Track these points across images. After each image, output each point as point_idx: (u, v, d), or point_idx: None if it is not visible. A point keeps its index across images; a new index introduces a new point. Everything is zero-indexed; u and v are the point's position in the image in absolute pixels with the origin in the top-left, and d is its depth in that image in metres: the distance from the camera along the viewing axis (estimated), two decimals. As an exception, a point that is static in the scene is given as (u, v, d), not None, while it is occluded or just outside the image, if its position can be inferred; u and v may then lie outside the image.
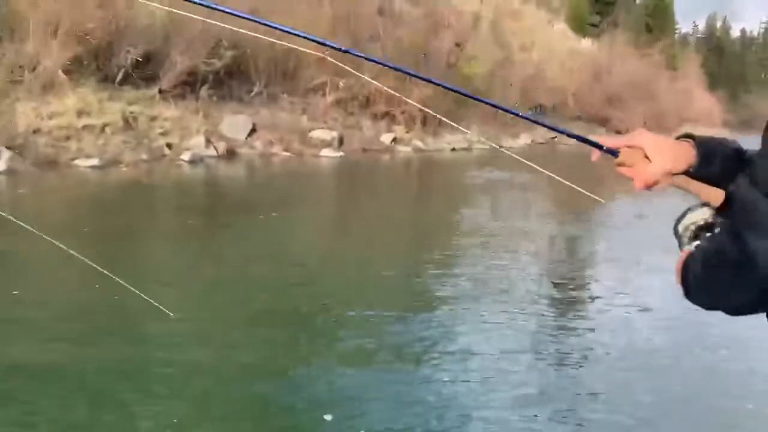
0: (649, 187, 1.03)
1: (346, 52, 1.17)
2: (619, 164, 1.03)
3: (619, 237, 8.42)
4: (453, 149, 20.63)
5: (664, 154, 1.01)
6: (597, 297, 5.51)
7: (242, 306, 4.78)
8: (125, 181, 11.25)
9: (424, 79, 1.25)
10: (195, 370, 3.56)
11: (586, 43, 41.70)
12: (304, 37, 1.11)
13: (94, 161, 11.51)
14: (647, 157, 1.01)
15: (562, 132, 1.20)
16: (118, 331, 4.16)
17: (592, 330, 4.56)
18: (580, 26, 44.55)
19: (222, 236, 7.79)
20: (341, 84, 18.57)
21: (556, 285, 5.84)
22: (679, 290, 0.95)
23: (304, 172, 14.36)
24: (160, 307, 2.96)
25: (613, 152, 1.02)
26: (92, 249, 6.16)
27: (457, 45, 22.79)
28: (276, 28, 1.15)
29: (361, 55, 1.16)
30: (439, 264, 6.42)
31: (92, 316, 4.37)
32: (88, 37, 13.36)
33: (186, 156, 13.20)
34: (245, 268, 5.87)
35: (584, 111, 31.57)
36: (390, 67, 1.18)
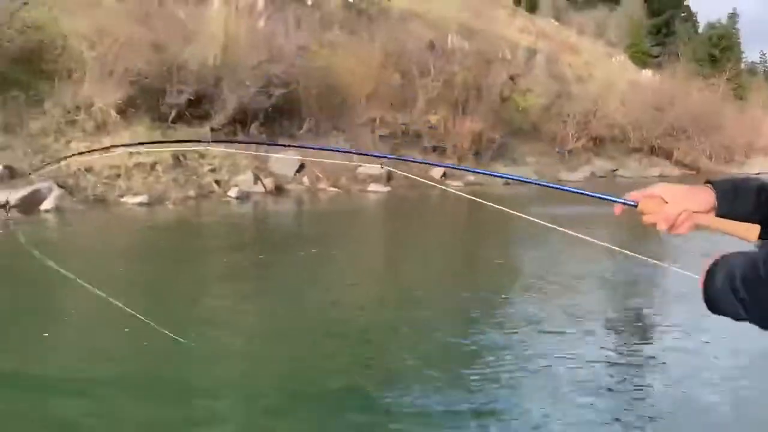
0: (671, 225, 1.09)
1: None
2: (642, 213, 1.12)
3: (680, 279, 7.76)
4: (506, 183, 20.06)
5: (679, 195, 1.10)
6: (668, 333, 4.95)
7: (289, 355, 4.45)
8: (172, 218, 11.26)
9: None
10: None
11: (647, 74, 40.53)
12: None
13: (142, 198, 11.58)
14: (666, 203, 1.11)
15: (579, 192, 1.39)
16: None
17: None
18: (640, 58, 43.46)
19: (268, 274, 7.63)
20: (390, 119, 18.43)
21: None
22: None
23: (352, 208, 14.14)
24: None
25: (633, 204, 1.13)
26: (134, 289, 6.04)
27: (511, 78, 22.38)
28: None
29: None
30: (489, 309, 6.02)
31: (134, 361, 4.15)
32: (142, 77, 13.64)
33: (233, 192, 13.17)
34: (292, 310, 5.71)
35: (645, 143, 30.41)
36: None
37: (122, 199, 11.53)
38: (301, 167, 15.65)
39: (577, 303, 6.51)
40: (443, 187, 16.26)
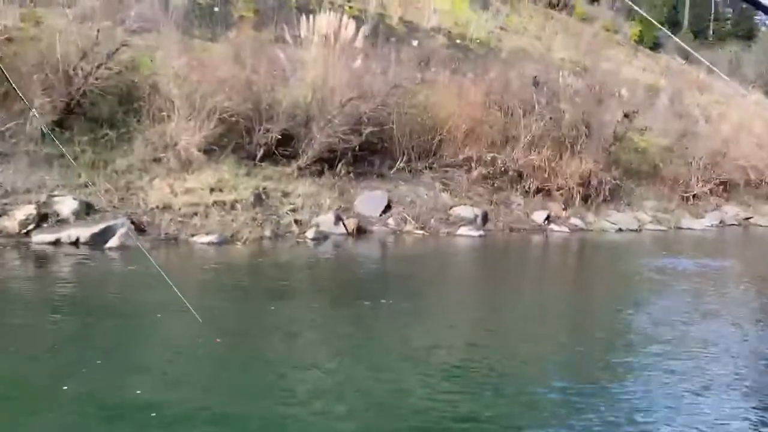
0: None
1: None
2: None
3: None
4: (619, 229, 17.91)
5: None
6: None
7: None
8: (238, 257, 10.53)
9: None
10: None
11: (787, 112, 36.23)
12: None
13: (212, 237, 10.97)
14: None
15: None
16: None
17: None
18: (780, 96, 39.12)
19: (337, 325, 6.62)
20: (489, 158, 17.03)
21: None
22: None
23: (440, 252, 12.85)
24: None
25: None
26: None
27: (626, 116, 20.27)
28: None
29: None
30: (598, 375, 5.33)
31: None
32: (230, 116, 13.28)
33: (310, 233, 12.32)
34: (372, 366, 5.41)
35: (786, 187, 26.66)
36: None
37: (192, 238, 10.98)
38: (388, 207, 14.60)
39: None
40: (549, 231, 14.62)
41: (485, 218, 15.88)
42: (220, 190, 12.53)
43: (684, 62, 43.78)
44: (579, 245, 15.66)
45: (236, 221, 11.95)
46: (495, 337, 7.13)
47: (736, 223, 22.42)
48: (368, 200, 14.46)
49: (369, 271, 10.33)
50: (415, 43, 22.84)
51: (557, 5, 37.44)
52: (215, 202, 12.17)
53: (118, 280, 8.64)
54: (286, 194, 13.36)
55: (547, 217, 17.01)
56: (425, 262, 11.74)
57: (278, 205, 13.01)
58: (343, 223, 13.21)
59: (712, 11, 58.74)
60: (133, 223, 10.73)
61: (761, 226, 22.65)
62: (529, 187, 17.63)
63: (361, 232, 13.46)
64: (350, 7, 23.23)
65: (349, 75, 15.23)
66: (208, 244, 10.83)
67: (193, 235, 11.07)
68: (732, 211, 23.30)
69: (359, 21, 23.08)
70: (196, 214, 11.67)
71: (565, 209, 17.67)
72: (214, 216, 11.84)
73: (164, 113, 12.73)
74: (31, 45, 12.09)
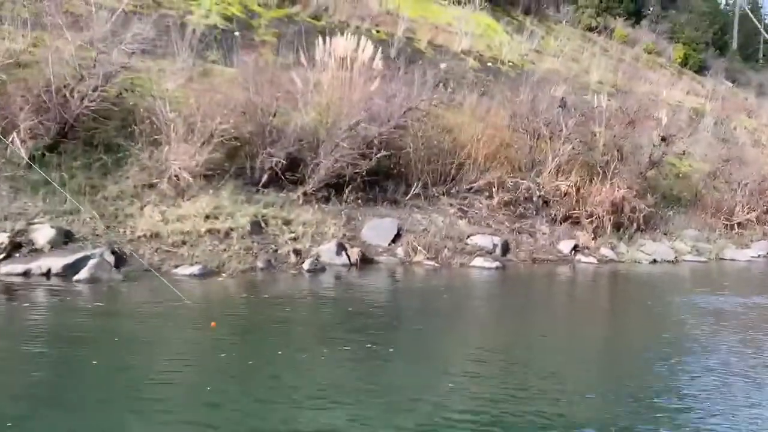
0: None
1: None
2: None
3: None
4: (654, 261, 16.16)
5: None
6: None
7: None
8: (213, 292, 9.46)
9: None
10: None
11: (843, 136, 33.49)
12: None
13: (195, 269, 9.96)
14: None
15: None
16: None
17: None
18: (837, 118, 36.31)
19: (286, 370, 5.42)
20: (512, 184, 15.64)
21: None
22: None
23: (448, 286, 11.52)
24: None
25: None
26: None
27: (663, 139, 18.56)
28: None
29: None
30: None
31: None
32: (231, 140, 12.38)
33: (307, 264, 11.20)
34: None
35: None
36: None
37: (175, 270, 9.99)
38: (398, 236, 13.37)
39: None
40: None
41: (506, 248, 14.46)
42: (216, 218, 11.55)
43: (732, 85, 41.31)
44: (607, 278, 14.04)
45: (228, 251, 10.93)
46: (495, 388, 5.81)
47: (786, 254, 20.20)
48: (376, 228, 13.27)
49: (360, 308, 9.10)
50: (443, 66, 21.70)
51: (596, 29, 35.80)
52: (208, 231, 11.19)
53: (48, 320, 7.60)
54: (287, 222, 12.30)
55: (575, 247, 15.44)
56: (427, 298, 10.43)
57: (278, 233, 11.95)
58: (346, 253, 12.04)
59: (763, 33, 55.78)
60: (114, 252, 9.82)
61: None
62: (555, 215, 16.11)
63: (366, 262, 12.26)
64: (378, 32, 22.35)
65: (360, 97, 14.19)
66: (190, 276, 9.81)
67: (177, 266, 10.09)
68: (783, 240, 21.07)
69: (386, 45, 22.13)
70: (184, 243, 10.71)
71: (594, 239, 16.05)
72: (204, 245, 10.85)
73: (161, 137, 11.91)
74: (25, 69, 11.49)
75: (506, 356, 7.31)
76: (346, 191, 13.54)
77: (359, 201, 13.70)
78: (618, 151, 17.51)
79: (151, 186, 11.60)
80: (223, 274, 10.16)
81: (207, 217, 11.47)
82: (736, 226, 20.15)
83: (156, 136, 11.91)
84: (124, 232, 10.51)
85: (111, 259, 9.60)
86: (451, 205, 15.11)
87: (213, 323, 7.32)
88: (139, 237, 10.50)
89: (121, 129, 12.04)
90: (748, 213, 20.28)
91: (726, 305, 10.98)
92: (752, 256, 18.48)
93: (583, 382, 6.52)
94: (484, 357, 7.23)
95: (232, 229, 11.43)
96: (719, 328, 9.16)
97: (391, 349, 7.21)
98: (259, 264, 10.88)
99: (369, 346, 7.25)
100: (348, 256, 12.01)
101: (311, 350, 6.86)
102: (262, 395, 5.51)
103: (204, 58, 15.89)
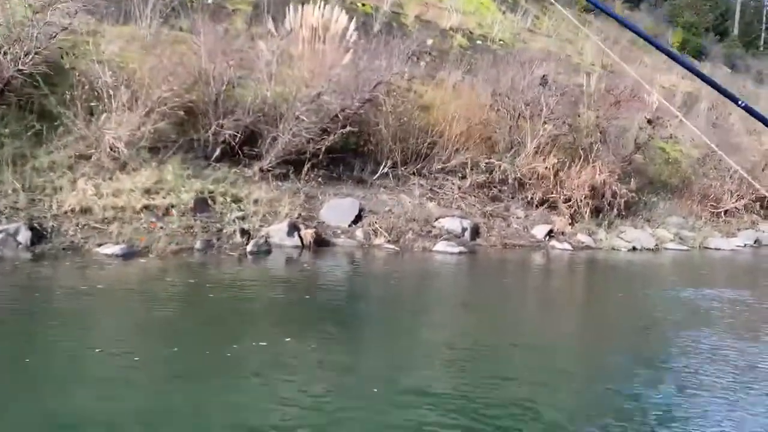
0: None
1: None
2: None
3: None
4: (633, 248, 14.99)
5: None
6: None
7: None
8: (127, 275, 8.35)
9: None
10: None
11: (841, 124, 31.96)
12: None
13: (118, 248, 8.86)
14: None
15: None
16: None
17: None
18: (833, 106, 34.73)
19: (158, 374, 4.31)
20: (485, 164, 14.44)
21: None
22: None
23: (404, 272, 10.42)
24: None
25: None
26: None
27: (650, 122, 17.27)
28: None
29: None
30: None
31: None
32: (179, 111, 11.21)
33: (251, 246, 10.09)
34: None
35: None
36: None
37: (97, 249, 8.90)
38: (359, 218, 12.23)
39: None
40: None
41: (476, 232, 13.32)
42: (156, 193, 10.44)
43: (729, 71, 39.69)
44: (578, 266, 12.90)
45: (165, 229, 9.83)
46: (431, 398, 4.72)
47: (774, 243, 18.99)
48: (336, 208, 12.13)
49: (294, 297, 8.01)
50: (429, 42, 20.35)
51: (593, 10, 34.12)
52: (146, 207, 10.08)
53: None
54: (237, 200, 11.17)
55: (550, 233, 14.28)
56: (373, 285, 9.33)
57: (225, 211, 10.83)
58: (299, 234, 10.93)
59: (765, 20, 53.77)
60: (33, 228, 8.73)
61: (804, 248, 19.12)
62: (531, 199, 14.92)
63: (321, 244, 11.14)
64: (363, 5, 20.98)
65: (327, 69, 12.95)
66: (110, 256, 8.72)
67: (100, 245, 9.00)
68: (771, 229, 19.85)
69: (370, 18, 20.72)
70: (116, 219, 9.61)
71: (571, 224, 14.87)
72: (139, 223, 9.75)
73: (102, 105, 10.74)
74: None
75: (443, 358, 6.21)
76: (306, 168, 12.37)
77: (320, 179, 12.55)
78: (601, 132, 16.25)
79: (88, 158, 10.46)
80: (150, 255, 9.05)
81: (147, 192, 10.35)
82: (723, 214, 18.92)
83: (96, 103, 10.73)
84: (50, 206, 9.40)
85: (27, 235, 8.52)
86: (421, 185, 13.94)
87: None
88: (65, 212, 9.39)
89: (61, 96, 10.84)
90: (736, 201, 19.02)
91: (697, 299, 9.84)
92: (737, 245, 17.28)
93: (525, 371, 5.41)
94: (431, 353, 6.14)
95: (173, 206, 10.33)
96: (685, 326, 8.03)
97: (313, 345, 6.13)
98: (197, 244, 9.77)
99: (288, 339, 6.19)
100: (300, 238, 10.89)
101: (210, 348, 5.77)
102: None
103: (171, 26, 14.65)
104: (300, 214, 11.50)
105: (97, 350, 5.54)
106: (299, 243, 10.82)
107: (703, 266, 14.46)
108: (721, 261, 15.39)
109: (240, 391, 4.85)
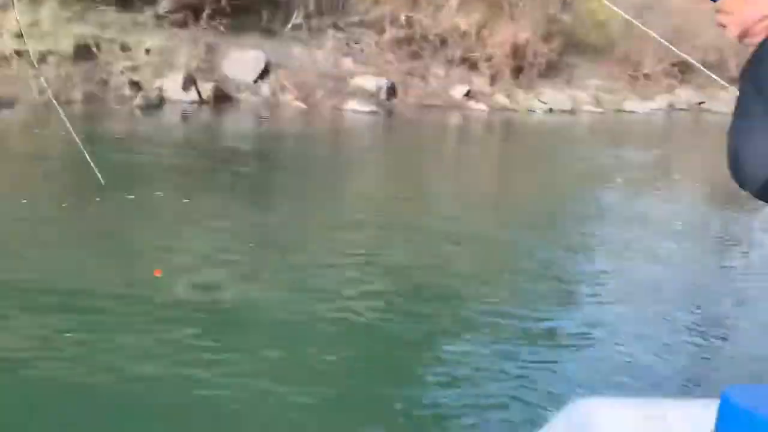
0: (743, 33, 0.89)
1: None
2: (718, 11, 0.93)
3: None
4: (549, 110, 14.80)
5: None
6: None
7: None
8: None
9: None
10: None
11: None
12: None
13: (-20, 100, 7.84)
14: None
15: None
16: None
17: None
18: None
19: None
20: (405, 18, 13.47)
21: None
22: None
23: (305, 132, 9.84)
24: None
25: None
26: None
27: (580, -21, 16.38)
28: None
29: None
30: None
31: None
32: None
33: (138, 99, 9.18)
34: None
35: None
36: None
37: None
38: (266, 72, 11.32)
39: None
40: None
41: (392, 91, 12.68)
42: (30, 37, 9.14)
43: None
44: (498, 128, 12.67)
45: (39, 78, 8.72)
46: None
47: (685, 107, 19.28)
48: (240, 61, 11.12)
49: (172, 153, 7.38)
50: None
51: None
52: (17, 53, 8.86)
53: None
54: (126, 48, 10.01)
55: (468, 93, 13.81)
56: (272, 146, 8.77)
57: (111, 60, 9.71)
58: (196, 88, 10.02)
59: None
60: None
61: (713, 112, 19.52)
62: (452, 57, 14.22)
63: (222, 100, 10.30)
64: None
65: None
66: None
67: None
68: (685, 94, 20.06)
69: None
70: (-17, 65, 8.43)
71: (491, 84, 14.41)
72: (9, 71, 8.60)
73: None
74: None
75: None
76: (205, 14, 11.13)
77: (223, 28, 11.36)
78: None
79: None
80: (16, 106, 8.07)
81: (18, 36, 9.03)
82: (641, 77, 18.83)
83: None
84: None
85: None
86: (336, 39, 12.93)
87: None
88: None
89: None
90: (655, 64, 18.86)
91: (588, 157, 9.82)
92: (652, 109, 17.42)
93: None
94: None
95: (50, 53, 9.12)
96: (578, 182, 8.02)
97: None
98: (77, 96, 8.79)
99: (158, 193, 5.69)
100: (199, 93, 10.01)
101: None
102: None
103: None
104: (198, 67, 10.49)
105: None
106: (197, 98, 9.96)
107: (611, 129, 14.51)
108: (630, 123, 15.52)
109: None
